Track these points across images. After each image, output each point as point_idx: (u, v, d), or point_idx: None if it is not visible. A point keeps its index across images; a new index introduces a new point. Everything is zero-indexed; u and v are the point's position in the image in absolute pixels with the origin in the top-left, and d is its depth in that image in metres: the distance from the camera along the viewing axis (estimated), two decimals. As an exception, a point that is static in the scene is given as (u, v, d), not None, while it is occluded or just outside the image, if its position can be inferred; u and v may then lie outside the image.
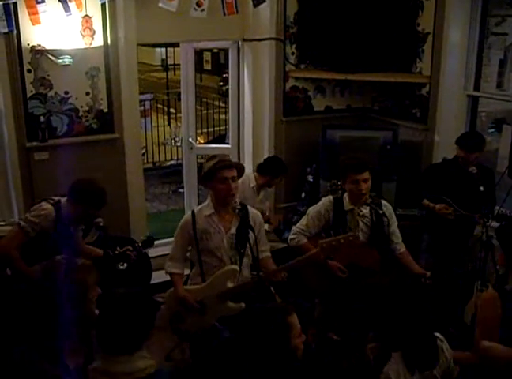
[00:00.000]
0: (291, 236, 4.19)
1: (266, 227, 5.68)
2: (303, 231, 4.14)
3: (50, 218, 3.89)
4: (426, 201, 4.82)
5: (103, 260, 4.80)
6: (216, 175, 3.64)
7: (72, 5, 4.91)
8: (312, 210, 4.21)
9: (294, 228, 4.22)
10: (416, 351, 2.73)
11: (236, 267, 3.77)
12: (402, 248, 4.19)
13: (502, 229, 3.51)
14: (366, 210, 4.13)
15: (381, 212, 4.06)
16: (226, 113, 9.97)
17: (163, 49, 19.44)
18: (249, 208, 3.90)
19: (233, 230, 3.78)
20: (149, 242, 4.55)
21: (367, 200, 4.08)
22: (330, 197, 4.22)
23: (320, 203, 4.23)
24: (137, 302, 2.43)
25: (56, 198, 4.01)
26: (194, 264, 3.97)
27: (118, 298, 2.44)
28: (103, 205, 4.04)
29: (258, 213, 4.00)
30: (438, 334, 2.89)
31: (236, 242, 3.78)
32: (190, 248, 3.93)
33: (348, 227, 4.09)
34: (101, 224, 4.24)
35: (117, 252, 4.34)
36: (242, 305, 3.78)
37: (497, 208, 4.83)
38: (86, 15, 5.06)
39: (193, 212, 3.84)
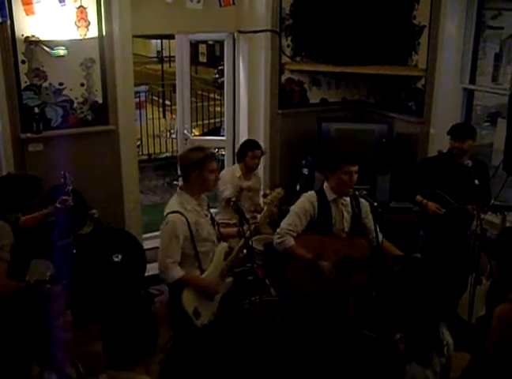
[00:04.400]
0: (277, 239, 4.07)
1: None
2: (290, 231, 4.03)
3: (10, 231, 3.74)
4: (419, 197, 4.80)
5: (98, 252, 4.81)
6: (207, 166, 3.76)
7: (66, -5, 4.89)
8: (296, 207, 4.13)
9: (279, 230, 4.09)
10: (417, 341, 2.69)
11: (226, 244, 3.98)
12: (381, 237, 4.17)
13: (494, 241, 3.46)
14: (347, 200, 4.14)
15: (375, 204, 4.04)
16: (221, 105, 9.94)
17: (159, 41, 19.34)
18: None
19: (205, 210, 3.94)
20: None
21: (351, 193, 4.07)
22: (311, 192, 4.18)
23: (302, 199, 4.15)
24: (136, 307, 2.42)
25: None
26: (186, 261, 3.86)
27: (119, 307, 2.43)
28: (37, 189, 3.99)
29: None
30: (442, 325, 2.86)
31: (212, 220, 3.98)
32: None
33: (333, 218, 4.09)
34: (95, 216, 4.21)
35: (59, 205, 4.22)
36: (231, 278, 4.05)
37: (492, 201, 4.84)
38: (81, 6, 5.03)
39: (178, 212, 3.75)
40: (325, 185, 4.12)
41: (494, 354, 2.90)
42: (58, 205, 4.20)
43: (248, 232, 3.97)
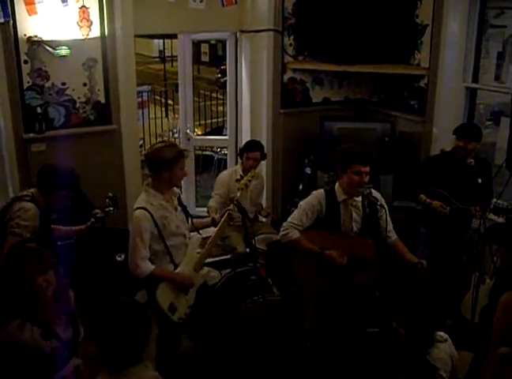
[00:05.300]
0: (282, 231, 4.08)
1: (263, 219, 5.66)
2: (296, 225, 4.03)
3: (37, 215, 3.82)
4: (422, 197, 4.78)
5: (101, 252, 4.81)
6: (180, 163, 3.72)
7: (69, -5, 4.89)
8: (304, 203, 4.12)
9: (285, 223, 4.10)
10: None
11: (200, 236, 3.98)
12: (394, 236, 4.17)
13: (494, 228, 3.49)
14: (358, 200, 4.10)
15: (379, 203, 4.04)
16: (224, 104, 9.94)
17: (161, 40, 19.36)
18: None
19: (176, 202, 3.88)
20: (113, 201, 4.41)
21: (363, 192, 4.03)
22: (321, 190, 4.16)
23: (311, 196, 4.14)
24: (132, 310, 2.39)
25: (28, 193, 3.91)
26: (157, 257, 3.84)
27: (114, 310, 2.39)
28: (76, 185, 4.03)
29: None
30: (441, 333, 2.83)
31: (184, 212, 3.93)
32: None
33: (341, 219, 4.07)
34: (98, 215, 4.22)
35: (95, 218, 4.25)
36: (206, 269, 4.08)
37: (494, 200, 4.83)
38: (83, 5, 5.04)
39: (143, 208, 3.73)
40: (337, 185, 4.11)
41: (499, 341, 2.89)
42: (94, 224, 4.22)
43: (223, 220, 3.96)
